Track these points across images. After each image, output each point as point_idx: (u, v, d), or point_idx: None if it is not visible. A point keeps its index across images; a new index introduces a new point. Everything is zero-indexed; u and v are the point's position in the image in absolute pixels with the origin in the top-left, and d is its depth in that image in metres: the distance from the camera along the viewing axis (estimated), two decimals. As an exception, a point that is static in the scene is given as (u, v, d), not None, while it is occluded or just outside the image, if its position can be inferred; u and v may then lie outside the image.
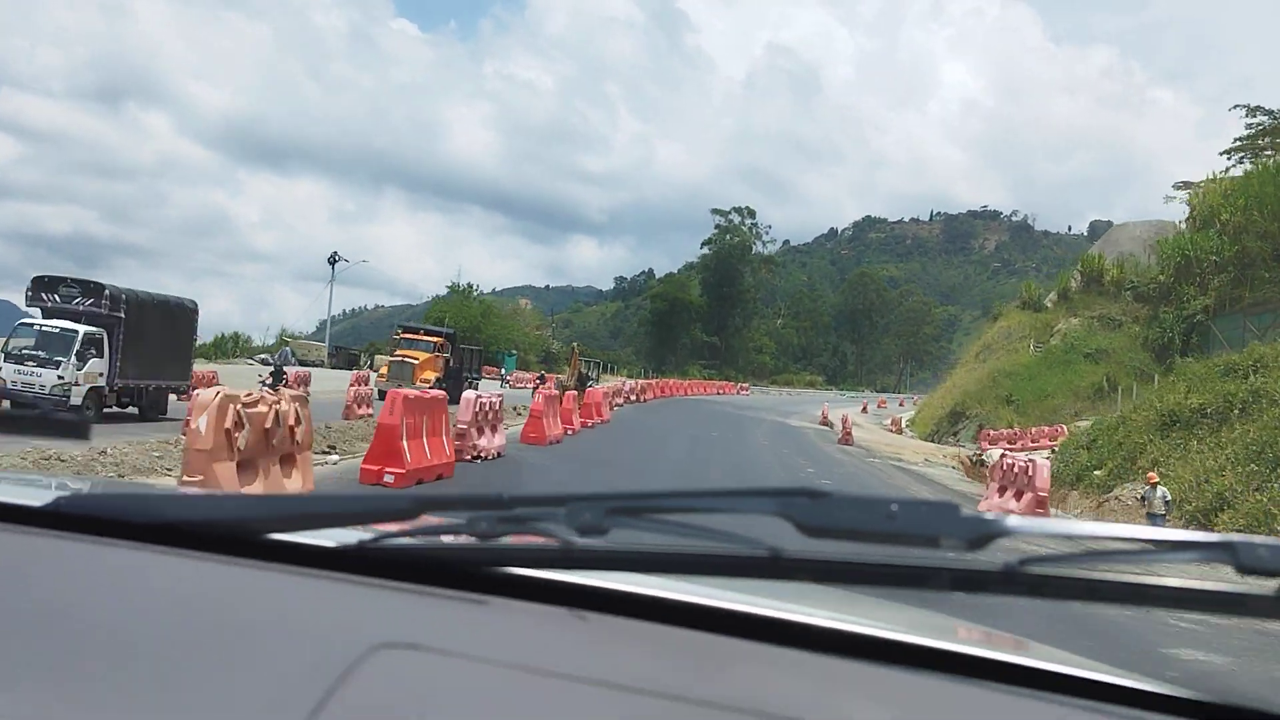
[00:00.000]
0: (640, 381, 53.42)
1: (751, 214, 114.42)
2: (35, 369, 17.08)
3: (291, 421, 8.68)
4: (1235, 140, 47.44)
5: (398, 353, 31.54)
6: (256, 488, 7.88)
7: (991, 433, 34.36)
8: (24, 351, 17.33)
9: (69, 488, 1.24)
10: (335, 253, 61.39)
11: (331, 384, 28.57)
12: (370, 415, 21.35)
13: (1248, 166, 42.15)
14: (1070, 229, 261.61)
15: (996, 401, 41.08)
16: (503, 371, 58.82)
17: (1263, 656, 7.75)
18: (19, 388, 16.94)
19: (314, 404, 13.77)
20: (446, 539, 0.95)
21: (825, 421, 42.90)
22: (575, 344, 39.68)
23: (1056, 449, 25.74)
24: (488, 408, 14.59)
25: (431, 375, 29.73)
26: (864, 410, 49.84)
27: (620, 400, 37.20)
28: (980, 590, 0.78)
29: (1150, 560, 0.82)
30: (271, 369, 20.25)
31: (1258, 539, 0.75)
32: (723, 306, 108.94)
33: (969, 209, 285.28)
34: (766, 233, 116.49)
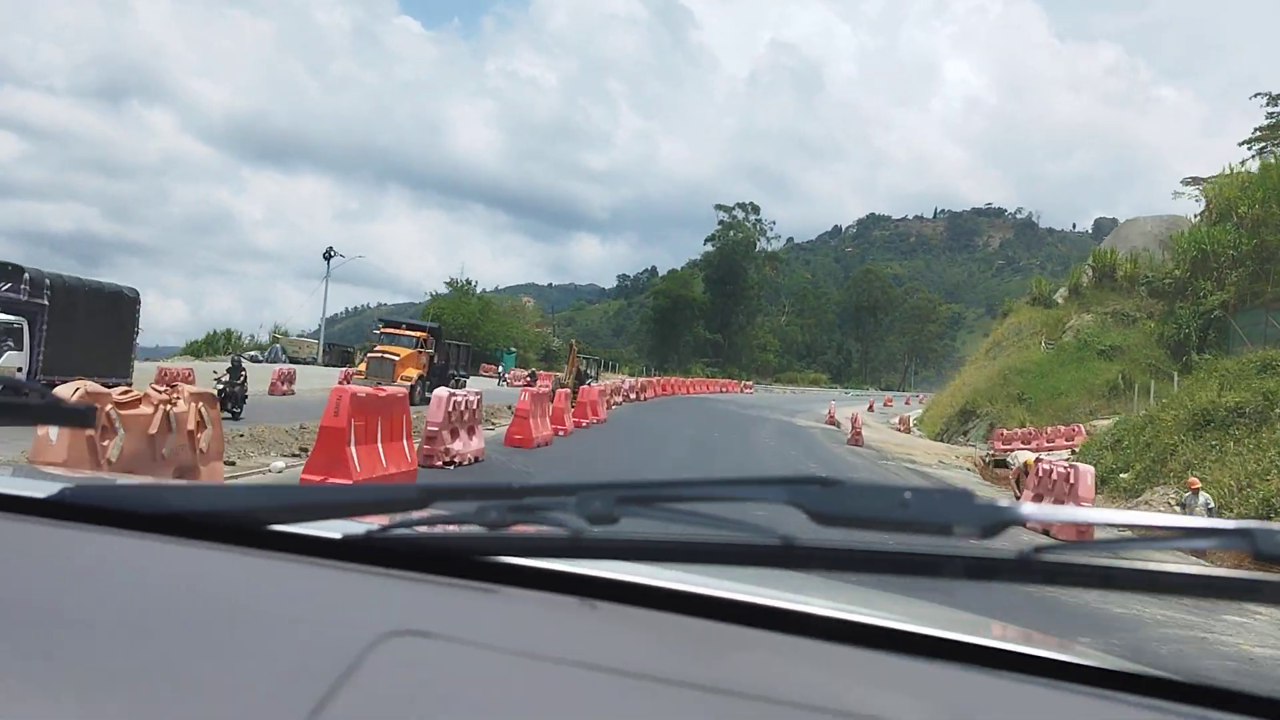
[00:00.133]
0: (640, 379, 52.13)
1: (756, 209, 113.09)
2: None
3: (192, 425, 7.32)
4: (1255, 130, 46.25)
5: (377, 349, 29.55)
6: None
7: (1005, 432, 33.05)
8: None
9: (73, 479, 1.25)
10: (330, 248, 60.26)
11: (321, 382, 27.64)
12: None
13: (1268, 157, 41.07)
14: (1075, 226, 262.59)
15: (1008, 400, 39.97)
16: (500, 369, 57.72)
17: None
18: None
19: (299, 403, 12.72)
20: (455, 528, 0.94)
21: (832, 421, 41.64)
22: (573, 340, 38.47)
23: (1077, 450, 24.44)
24: (463, 407, 13.07)
25: (414, 372, 27.99)
26: (870, 409, 48.56)
27: (619, 399, 35.85)
28: (994, 578, 0.78)
29: (1166, 547, 0.84)
30: (229, 365, 18.78)
31: (1275, 525, 0.74)
32: (726, 303, 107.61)
33: (973, 206, 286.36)
34: (771, 229, 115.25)
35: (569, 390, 22.45)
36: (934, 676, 0.81)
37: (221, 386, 17.06)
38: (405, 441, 10.86)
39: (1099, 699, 0.79)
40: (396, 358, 28.15)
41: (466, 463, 13.07)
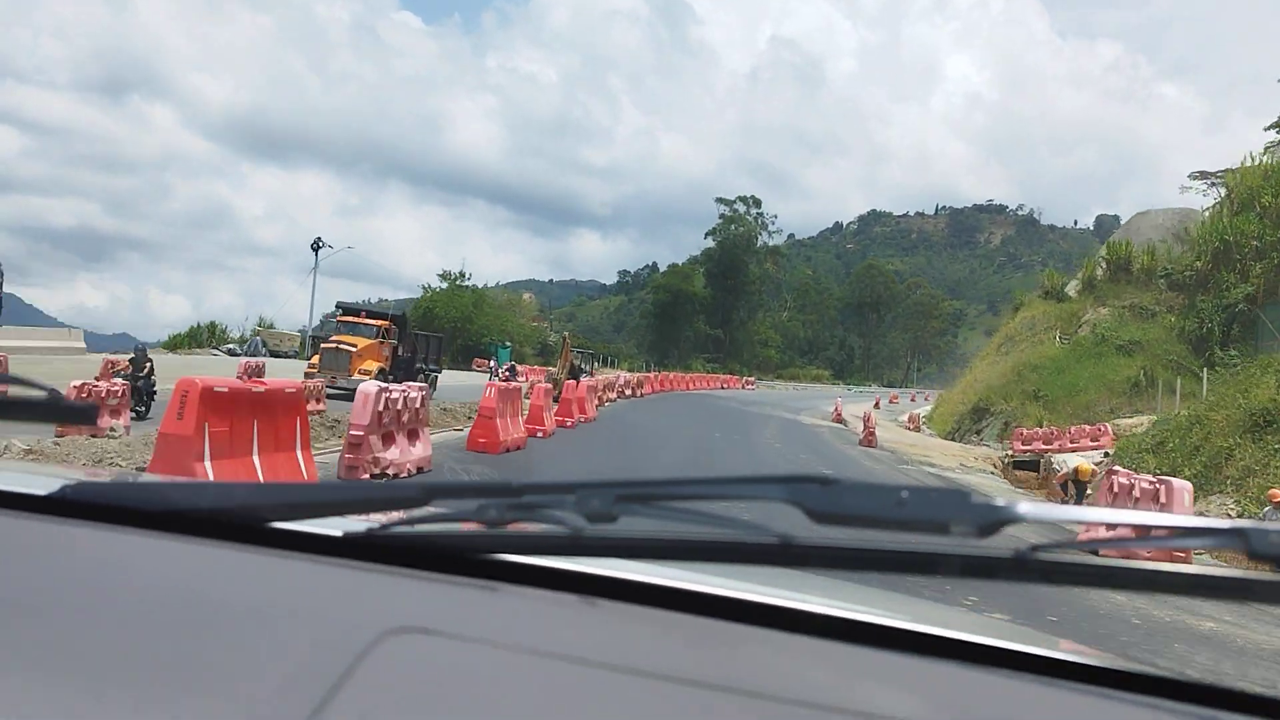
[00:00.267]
0: (636, 374, 50.18)
1: (757, 203, 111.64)
2: None
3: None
4: (1281, 115, 44.31)
5: (333, 339, 26.44)
6: None
7: (1024, 432, 31.08)
8: None
9: (74, 476, 1.21)
10: (319, 238, 58.25)
11: (298, 376, 25.56)
12: (323, 411, 18.20)
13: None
14: (1076, 223, 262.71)
15: (1023, 397, 38.06)
16: (492, 364, 55.80)
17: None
18: None
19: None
20: (455, 526, 0.94)
21: (839, 419, 39.66)
22: (566, 333, 36.61)
23: (1111, 452, 22.49)
24: (399, 406, 10.55)
25: (374, 365, 25.11)
26: (876, 406, 46.71)
27: (613, 395, 33.85)
28: (991, 577, 0.80)
29: (1162, 546, 0.85)
30: (131, 356, 16.55)
31: (1269, 525, 0.75)
32: (727, 298, 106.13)
33: (974, 203, 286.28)
34: (772, 223, 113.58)
35: (549, 386, 20.02)
36: (933, 674, 0.81)
37: (123, 378, 14.90)
38: (300, 452, 8.35)
39: (1098, 697, 0.79)
40: (353, 349, 25.31)
41: (404, 475, 10.61)
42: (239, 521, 0.95)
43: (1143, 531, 0.85)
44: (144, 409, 15.46)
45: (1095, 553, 0.80)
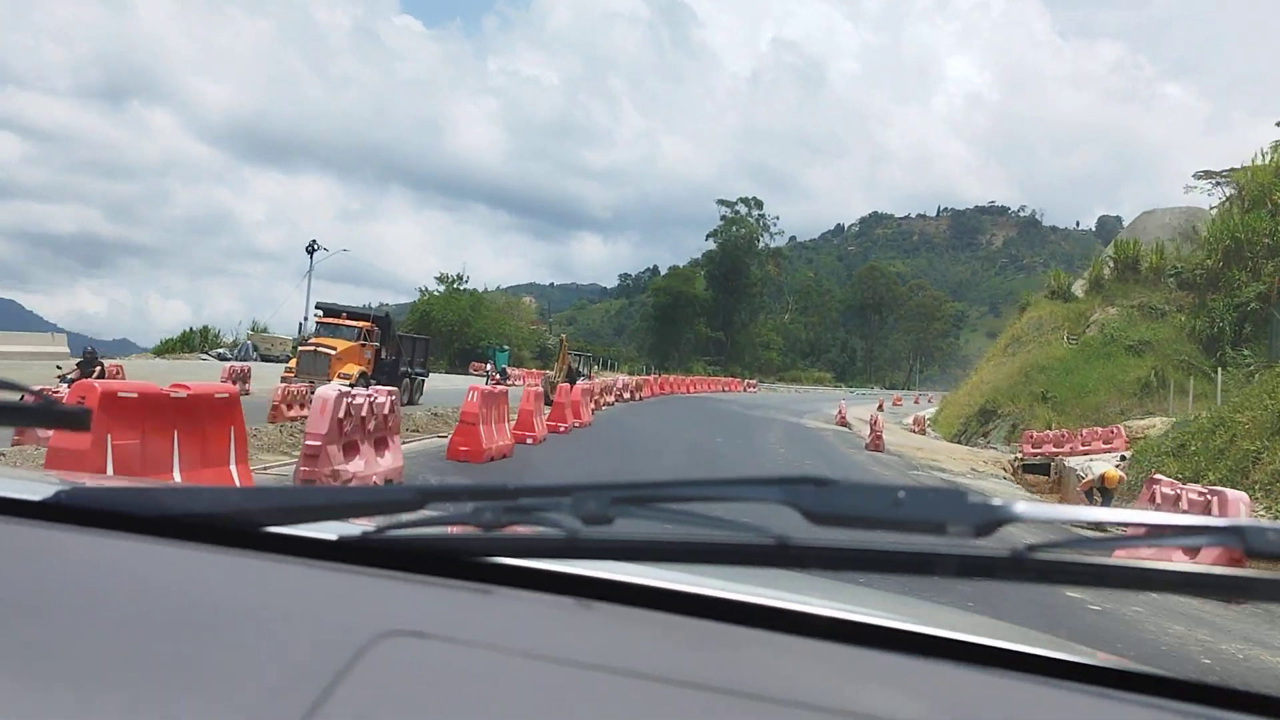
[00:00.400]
0: (635, 377, 49.26)
1: (759, 205, 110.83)
2: None
3: None
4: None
5: (311, 341, 25.27)
6: None
7: (1034, 434, 30.18)
8: None
9: (68, 481, 1.22)
10: (314, 241, 57.45)
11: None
12: (304, 417, 17.43)
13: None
14: (1078, 224, 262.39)
15: (1031, 399, 37.27)
16: (489, 368, 54.97)
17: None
18: None
19: (249, 404, 9.96)
20: (450, 529, 0.94)
21: (843, 422, 38.80)
22: (563, 336, 35.74)
23: (1128, 455, 21.57)
24: (364, 412, 9.54)
25: (354, 369, 23.93)
26: (880, 408, 45.91)
27: (611, 398, 32.93)
28: (988, 576, 0.80)
29: (1160, 545, 0.85)
30: (80, 358, 15.71)
31: (1266, 523, 0.75)
32: (729, 301, 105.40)
33: (976, 204, 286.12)
34: (774, 225, 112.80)
35: (539, 389, 19.07)
36: (932, 675, 0.81)
37: (67, 384, 14.09)
38: (234, 466, 7.30)
39: (1098, 697, 0.79)
40: (332, 351, 24.13)
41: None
42: (233, 526, 0.95)
43: (1141, 530, 0.84)
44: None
45: (1092, 552, 0.79)
